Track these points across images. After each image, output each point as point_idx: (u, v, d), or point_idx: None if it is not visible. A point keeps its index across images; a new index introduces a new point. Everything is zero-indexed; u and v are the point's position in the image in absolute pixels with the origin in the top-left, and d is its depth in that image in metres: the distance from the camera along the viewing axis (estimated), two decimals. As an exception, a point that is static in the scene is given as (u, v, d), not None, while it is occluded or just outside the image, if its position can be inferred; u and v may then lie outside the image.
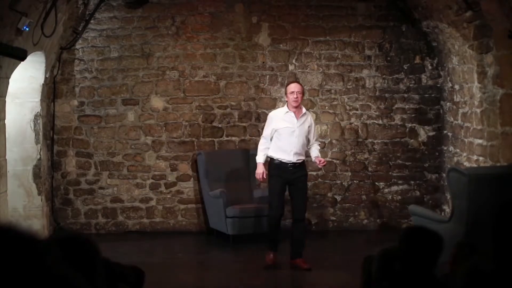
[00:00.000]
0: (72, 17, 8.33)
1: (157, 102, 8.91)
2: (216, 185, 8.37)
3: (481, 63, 7.10)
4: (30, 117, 8.06)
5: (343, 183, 9.02)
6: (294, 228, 6.96)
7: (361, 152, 9.00)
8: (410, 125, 9.00)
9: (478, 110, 7.30)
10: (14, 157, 7.71)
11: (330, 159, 8.84)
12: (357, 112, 8.98)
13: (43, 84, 8.12)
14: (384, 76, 8.97)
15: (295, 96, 6.83)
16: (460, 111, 8.04)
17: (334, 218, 9.03)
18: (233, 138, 8.97)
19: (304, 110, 7.00)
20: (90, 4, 8.65)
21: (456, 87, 8.18)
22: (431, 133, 8.99)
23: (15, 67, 7.05)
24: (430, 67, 8.95)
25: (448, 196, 8.15)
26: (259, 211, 8.04)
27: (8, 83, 6.95)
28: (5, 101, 6.92)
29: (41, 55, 7.73)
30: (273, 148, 6.93)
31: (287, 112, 6.91)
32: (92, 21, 8.76)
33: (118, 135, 8.89)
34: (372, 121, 8.99)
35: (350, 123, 9.00)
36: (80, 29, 8.71)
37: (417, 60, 8.97)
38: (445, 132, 8.76)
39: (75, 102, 8.85)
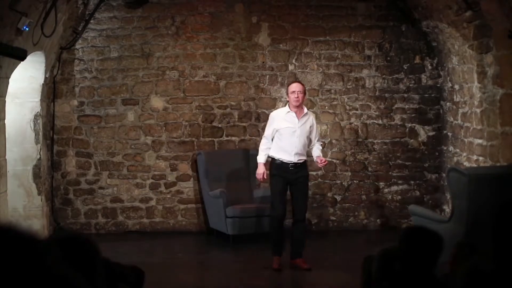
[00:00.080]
0: (72, 17, 8.32)
1: (157, 102, 8.91)
2: (216, 185, 8.37)
3: (481, 63, 7.10)
4: (30, 117, 8.05)
5: (343, 183, 9.02)
6: (295, 228, 6.96)
7: (361, 152, 9.00)
8: (410, 125, 9.00)
9: (478, 110, 7.30)
10: (14, 157, 7.71)
11: (330, 159, 8.83)
12: (357, 112, 8.98)
13: (43, 84, 8.11)
14: (384, 76, 8.97)
15: (296, 96, 6.80)
16: (460, 111, 8.04)
17: (334, 218, 9.03)
18: (233, 138, 8.97)
19: (305, 110, 6.96)
20: (90, 4, 8.65)
21: (456, 87, 8.18)
22: (431, 133, 8.99)
23: (15, 67, 7.05)
24: (430, 67, 8.95)
25: (448, 196, 8.15)
26: (259, 211, 8.04)
27: (8, 83, 6.94)
28: (5, 101, 6.91)
29: (41, 55, 7.73)
30: (274, 148, 6.91)
31: (289, 112, 6.88)
32: (92, 21, 8.76)
33: (118, 135, 8.89)
34: (372, 121, 8.99)
35: (350, 123, 8.99)
36: (80, 29, 8.71)
37: (417, 60, 8.97)
38: (445, 132, 8.76)
39: (75, 102, 8.85)
